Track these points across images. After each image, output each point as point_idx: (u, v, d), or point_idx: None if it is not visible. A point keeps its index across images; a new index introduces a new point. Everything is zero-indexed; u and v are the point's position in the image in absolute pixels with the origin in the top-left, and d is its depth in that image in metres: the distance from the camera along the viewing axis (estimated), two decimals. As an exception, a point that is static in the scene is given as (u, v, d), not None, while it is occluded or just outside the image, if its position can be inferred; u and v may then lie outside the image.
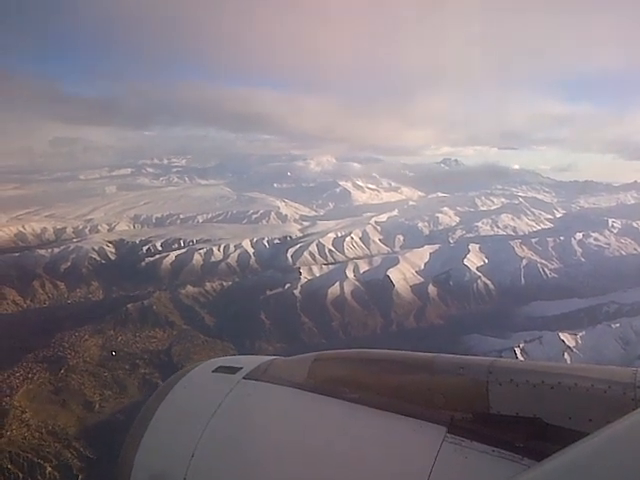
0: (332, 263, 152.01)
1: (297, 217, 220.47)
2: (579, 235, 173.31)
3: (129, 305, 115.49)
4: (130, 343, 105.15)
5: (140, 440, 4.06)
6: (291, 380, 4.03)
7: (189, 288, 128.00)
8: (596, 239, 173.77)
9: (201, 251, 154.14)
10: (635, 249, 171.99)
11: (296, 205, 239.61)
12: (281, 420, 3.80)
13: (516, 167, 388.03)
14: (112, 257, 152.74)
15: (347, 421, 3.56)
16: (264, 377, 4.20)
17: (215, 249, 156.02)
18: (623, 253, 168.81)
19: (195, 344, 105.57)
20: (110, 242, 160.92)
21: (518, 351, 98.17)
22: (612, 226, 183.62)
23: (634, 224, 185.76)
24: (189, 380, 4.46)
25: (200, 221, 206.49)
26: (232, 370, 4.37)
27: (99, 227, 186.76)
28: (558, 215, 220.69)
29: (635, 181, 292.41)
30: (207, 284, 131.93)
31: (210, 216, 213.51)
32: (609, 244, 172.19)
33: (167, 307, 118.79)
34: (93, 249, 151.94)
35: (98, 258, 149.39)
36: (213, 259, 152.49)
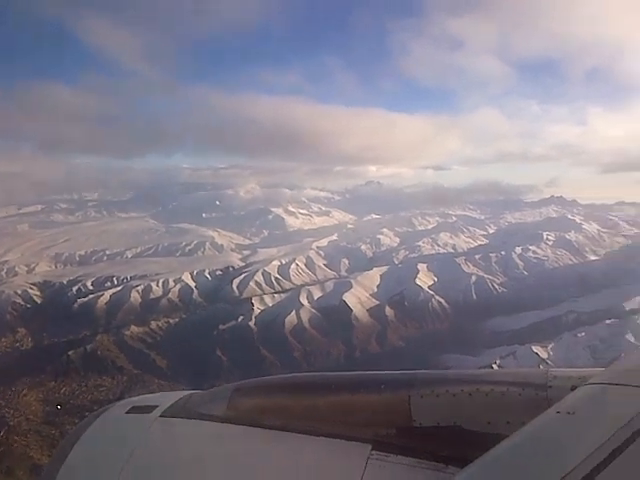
0: (282, 291, 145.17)
1: (233, 246, 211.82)
2: (518, 249, 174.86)
3: (70, 352, 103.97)
4: (76, 394, 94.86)
5: None
6: (211, 413, 3.83)
7: (133, 328, 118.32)
8: (534, 252, 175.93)
9: (138, 288, 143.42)
10: (571, 259, 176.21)
11: (230, 234, 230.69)
12: (202, 456, 3.59)
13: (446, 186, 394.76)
14: (38, 300, 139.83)
15: (271, 449, 3.48)
16: (182, 413, 3.96)
17: (153, 285, 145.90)
18: (561, 264, 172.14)
19: (150, 389, 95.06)
20: (33, 284, 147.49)
21: (495, 367, 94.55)
22: (547, 239, 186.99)
23: (566, 236, 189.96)
24: (101, 424, 4.11)
25: (129, 256, 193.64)
26: (147, 409, 4.10)
27: (17, 269, 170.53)
28: (491, 231, 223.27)
29: (552, 196, 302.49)
30: (152, 323, 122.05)
31: (139, 250, 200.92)
32: (547, 256, 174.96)
33: (112, 351, 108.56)
34: (16, 293, 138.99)
35: (22, 302, 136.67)
36: (152, 295, 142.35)
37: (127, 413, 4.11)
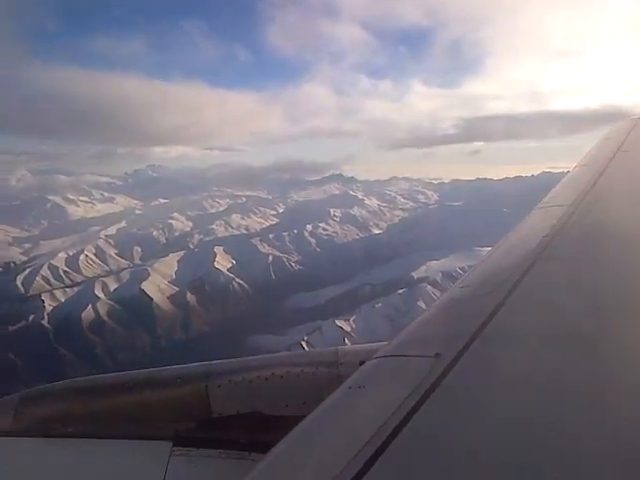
0: (73, 285, 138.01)
1: (10, 240, 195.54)
2: (309, 227, 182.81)
3: None
4: None
5: None
6: None
7: None
8: (324, 229, 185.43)
9: None
10: (357, 234, 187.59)
11: (4, 227, 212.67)
12: None
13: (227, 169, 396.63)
14: None
15: (65, 458, 3.31)
16: None
17: None
18: (349, 239, 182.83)
19: None
20: None
21: (304, 344, 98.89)
22: (334, 215, 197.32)
23: (351, 212, 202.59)
24: None
25: None
26: None
27: None
28: (280, 210, 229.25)
29: (332, 173, 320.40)
30: None
31: None
32: (336, 232, 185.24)
33: None
34: None
35: None
36: None
37: None
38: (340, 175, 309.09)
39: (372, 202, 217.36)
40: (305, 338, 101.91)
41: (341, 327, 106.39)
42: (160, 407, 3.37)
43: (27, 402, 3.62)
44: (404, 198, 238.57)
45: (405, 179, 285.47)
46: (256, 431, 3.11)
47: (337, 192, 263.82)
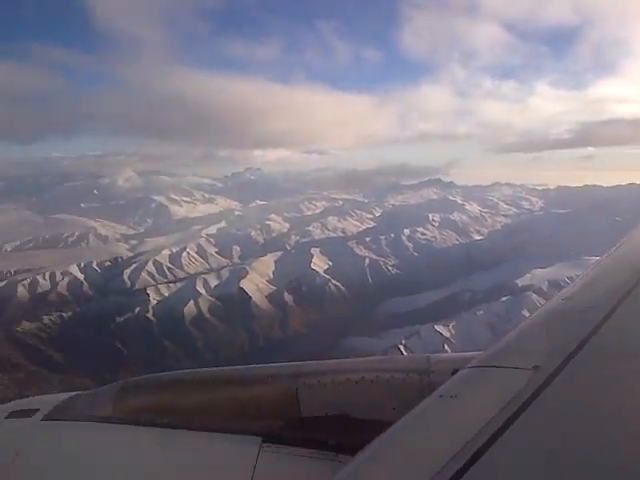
0: (176, 280, 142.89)
1: (118, 237, 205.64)
2: (407, 231, 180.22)
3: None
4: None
5: None
6: (96, 414, 3.66)
7: (25, 324, 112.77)
8: (422, 233, 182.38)
9: (24, 282, 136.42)
10: (457, 239, 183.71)
11: (113, 224, 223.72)
12: (89, 457, 3.47)
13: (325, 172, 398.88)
14: None
15: (160, 447, 3.45)
16: (65, 416, 3.75)
17: (40, 278, 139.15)
18: (449, 244, 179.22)
19: (51, 385, 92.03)
20: None
21: (402, 348, 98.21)
22: (433, 220, 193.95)
23: (451, 217, 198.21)
24: None
25: (9, 249, 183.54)
26: (28, 413, 3.85)
27: None
28: (377, 214, 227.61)
29: (430, 178, 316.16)
30: (44, 318, 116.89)
31: (19, 243, 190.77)
32: (435, 237, 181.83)
33: (4, 348, 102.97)
34: None
35: None
36: (40, 290, 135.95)
37: (6, 418, 3.97)
38: (439, 180, 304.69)
39: (473, 207, 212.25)
40: (403, 342, 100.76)
41: (440, 332, 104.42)
42: (251, 404, 3.45)
43: (126, 391, 3.80)
44: (507, 204, 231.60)
45: (508, 185, 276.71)
46: (344, 433, 3.11)
47: (435, 197, 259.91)
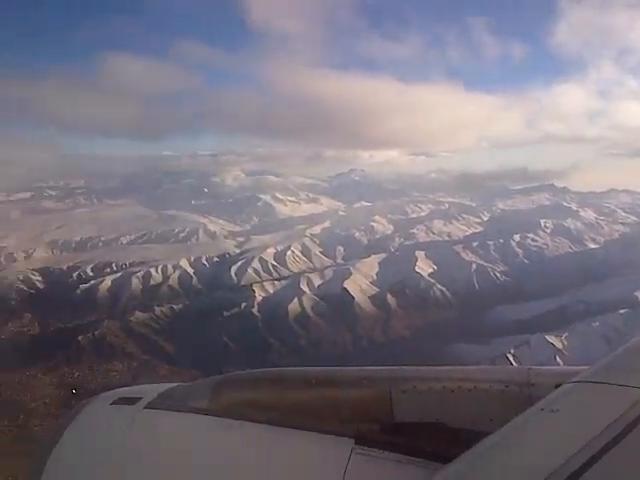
0: (280, 278, 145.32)
1: (226, 233, 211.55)
2: (517, 237, 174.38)
3: (80, 337, 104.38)
4: (89, 379, 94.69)
5: None
6: (194, 406, 3.85)
7: (138, 314, 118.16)
8: (533, 240, 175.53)
9: (138, 274, 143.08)
10: (570, 247, 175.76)
11: (221, 221, 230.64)
12: (186, 447, 3.62)
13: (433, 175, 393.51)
14: (40, 286, 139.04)
15: (253, 442, 3.53)
16: (165, 405, 3.98)
17: (153, 271, 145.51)
18: (561, 252, 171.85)
19: (160, 375, 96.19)
20: (35, 270, 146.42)
21: (510, 357, 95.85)
22: (545, 226, 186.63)
23: (564, 223, 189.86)
24: (87, 415, 4.17)
25: (124, 242, 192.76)
26: (132, 401, 4.13)
27: (15, 255, 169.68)
28: (485, 218, 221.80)
29: (542, 183, 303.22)
30: (156, 309, 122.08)
31: (134, 237, 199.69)
32: (546, 244, 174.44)
33: (119, 337, 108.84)
34: (18, 279, 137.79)
35: (25, 288, 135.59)
36: (153, 282, 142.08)
37: (112, 404, 4.21)
38: (551, 185, 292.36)
39: (588, 214, 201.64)
40: (512, 351, 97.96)
41: (552, 343, 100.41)
42: (345, 405, 3.44)
43: (224, 385, 3.95)
44: (625, 212, 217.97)
45: (626, 192, 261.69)
46: (438, 441, 3.06)
47: (547, 202, 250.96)
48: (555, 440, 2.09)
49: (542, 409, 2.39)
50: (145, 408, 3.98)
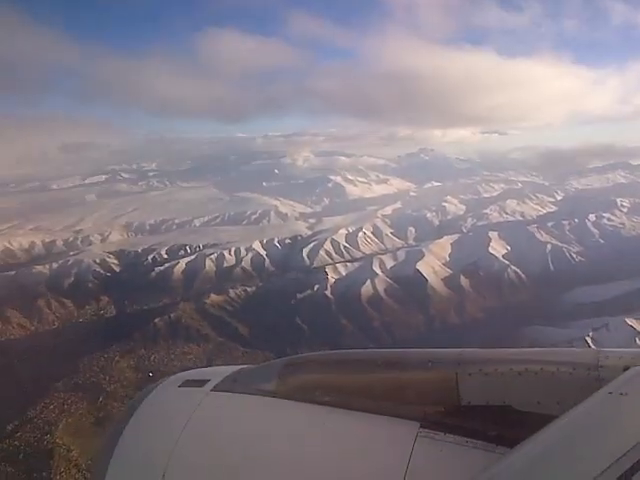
0: (352, 260, 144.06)
1: (297, 215, 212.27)
2: (592, 217, 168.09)
3: (156, 320, 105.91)
4: (165, 362, 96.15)
5: (107, 466, 3.88)
6: (261, 388, 3.94)
7: (213, 297, 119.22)
8: (609, 219, 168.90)
9: (212, 256, 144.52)
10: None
11: (292, 203, 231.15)
12: (253, 430, 3.73)
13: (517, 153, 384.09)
14: (116, 269, 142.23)
15: (321, 424, 3.56)
16: (233, 388, 4.07)
17: (226, 253, 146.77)
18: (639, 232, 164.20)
19: (235, 357, 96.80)
20: (110, 253, 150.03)
21: (589, 340, 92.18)
22: (621, 205, 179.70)
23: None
24: (156, 397, 4.31)
25: (197, 225, 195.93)
26: (200, 383, 4.23)
27: (91, 238, 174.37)
28: (559, 198, 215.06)
29: (622, 161, 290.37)
30: (230, 291, 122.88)
31: (207, 219, 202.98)
32: (623, 224, 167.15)
33: (195, 319, 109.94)
34: (95, 262, 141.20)
35: (102, 271, 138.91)
36: (226, 264, 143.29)
37: (180, 387, 4.24)
38: (627, 163, 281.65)
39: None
40: (590, 334, 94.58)
41: (632, 326, 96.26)
42: (410, 388, 3.39)
43: (291, 367, 3.92)
44: None
45: None
46: (505, 425, 3.02)
47: (623, 181, 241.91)
48: (624, 424, 2.11)
49: (610, 392, 2.39)
50: (212, 390, 4.04)
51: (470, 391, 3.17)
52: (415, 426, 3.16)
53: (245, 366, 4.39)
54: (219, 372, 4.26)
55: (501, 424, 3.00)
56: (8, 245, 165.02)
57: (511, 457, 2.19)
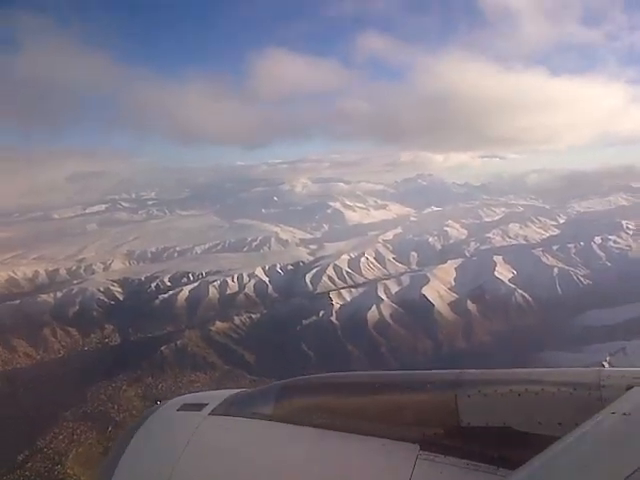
0: (356, 285, 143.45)
1: (298, 241, 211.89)
2: (598, 239, 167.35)
3: (163, 348, 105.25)
4: (173, 390, 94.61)
5: None
6: (258, 412, 3.96)
7: (218, 324, 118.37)
8: (615, 242, 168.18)
9: (215, 283, 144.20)
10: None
11: (292, 229, 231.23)
12: (250, 453, 3.73)
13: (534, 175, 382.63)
14: (120, 297, 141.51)
15: (319, 447, 3.54)
16: (230, 411, 4.11)
17: (229, 280, 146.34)
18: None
19: (242, 385, 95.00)
20: (114, 281, 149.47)
21: (607, 365, 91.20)
22: (627, 228, 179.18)
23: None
24: (154, 420, 4.37)
25: (199, 252, 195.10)
26: (197, 407, 4.28)
27: (94, 267, 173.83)
28: (561, 221, 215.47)
29: (622, 184, 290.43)
30: (235, 318, 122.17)
31: (208, 246, 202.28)
32: (630, 246, 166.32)
33: (201, 347, 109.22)
34: (99, 290, 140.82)
35: (106, 299, 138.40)
36: (229, 291, 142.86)
37: (178, 410, 4.29)
38: (628, 185, 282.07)
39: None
40: (607, 358, 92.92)
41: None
42: (409, 410, 3.37)
43: (288, 390, 3.94)
44: None
45: None
46: (506, 446, 2.99)
47: (625, 203, 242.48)
48: (628, 444, 2.05)
49: (613, 412, 2.36)
50: (210, 414, 4.08)
51: (469, 412, 3.17)
52: (415, 448, 3.16)
53: (243, 389, 4.47)
54: (216, 396, 4.35)
55: (501, 445, 3.00)
56: (12, 274, 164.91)
57: (513, 479, 2.15)
